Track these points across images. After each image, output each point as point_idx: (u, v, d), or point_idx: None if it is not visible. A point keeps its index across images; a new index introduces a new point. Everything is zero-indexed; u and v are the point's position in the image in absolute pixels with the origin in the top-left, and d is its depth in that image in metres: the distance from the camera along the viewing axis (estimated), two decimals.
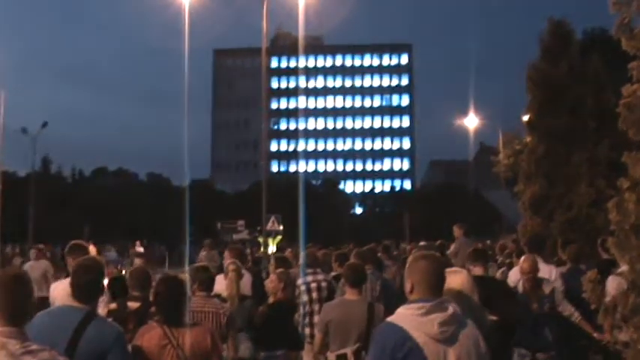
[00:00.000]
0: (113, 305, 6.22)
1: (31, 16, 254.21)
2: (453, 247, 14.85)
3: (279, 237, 31.77)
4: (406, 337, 3.69)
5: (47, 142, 68.03)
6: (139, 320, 5.28)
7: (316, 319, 8.16)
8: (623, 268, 7.92)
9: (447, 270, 4.89)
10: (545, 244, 10.58)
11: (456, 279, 4.90)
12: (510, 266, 11.78)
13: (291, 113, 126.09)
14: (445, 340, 3.73)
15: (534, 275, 8.17)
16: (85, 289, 4.56)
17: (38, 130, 49.08)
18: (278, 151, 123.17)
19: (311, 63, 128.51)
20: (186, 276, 6.81)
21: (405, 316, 3.79)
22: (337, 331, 6.71)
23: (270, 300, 8.60)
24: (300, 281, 9.28)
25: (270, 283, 8.46)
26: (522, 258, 8.54)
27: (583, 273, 8.72)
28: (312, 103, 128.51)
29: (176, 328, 4.88)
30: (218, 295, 7.91)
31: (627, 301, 5.47)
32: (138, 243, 36.01)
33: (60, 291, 6.05)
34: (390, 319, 3.86)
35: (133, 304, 6.14)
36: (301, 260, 11.06)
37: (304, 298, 9.04)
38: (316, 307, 8.77)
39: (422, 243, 15.44)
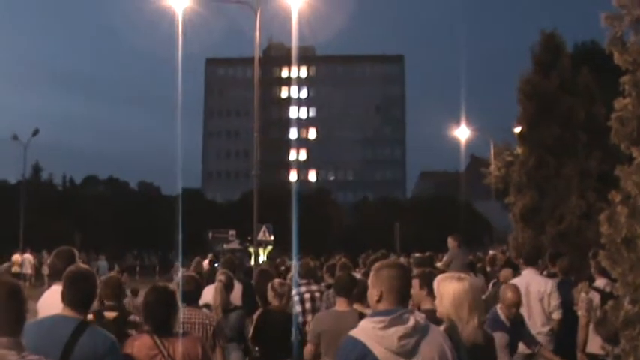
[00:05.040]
0: (90, 316, 6.13)
1: (21, 23, 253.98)
2: (446, 257, 14.89)
3: (269, 247, 31.74)
4: (366, 351, 3.69)
5: (38, 150, 67.81)
6: (117, 329, 5.23)
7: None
8: (599, 282, 7.98)
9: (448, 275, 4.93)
10: (540, 257, 10.60)
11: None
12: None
13: (283, 123, 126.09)
14: (405, 353, 3.71)
15: (517, 309, 6.90)
16: (80, 298, 4.53)
17: (29, 138, 48.95)
18: (269, 160, 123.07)
19: (303, 73, 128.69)
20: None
21: (366, 330, 3.78)
22: (329, 342, 6.67)
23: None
24: (293, 292, 9.25)
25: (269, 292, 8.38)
26: (504, 287, 7.26)
27: (573, 285, 8.75)
28: (303, 112, 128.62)
29: (166, 338, 4.84)
30: (207, 306, 7.89)
31: (619, 313, 5.48)
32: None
33: (53, 298, 5.96)
34: (352, 332, 3.85)
35: (110, 314, 6.06)
36: (294, 271, 11.03)
37: (297, 308, 9.01)
38: (309, 317, 8.73)
39: (416, 254, 15.43)
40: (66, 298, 4.53)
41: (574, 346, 8.33)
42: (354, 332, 3.83)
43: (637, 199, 5.61)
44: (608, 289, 7.45)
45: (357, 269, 13.55)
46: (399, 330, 3.71)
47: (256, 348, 8.24)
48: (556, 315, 9.01)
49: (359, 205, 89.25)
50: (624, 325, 5.39)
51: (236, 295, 9.94)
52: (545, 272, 10.89)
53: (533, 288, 9.04)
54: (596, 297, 7.65)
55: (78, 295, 4.53)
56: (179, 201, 43.35)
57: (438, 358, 3.82)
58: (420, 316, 3.90)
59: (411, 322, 3.76)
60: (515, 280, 9.40)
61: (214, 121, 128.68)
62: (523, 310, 8.58)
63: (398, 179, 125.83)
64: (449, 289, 4.86)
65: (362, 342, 3.73)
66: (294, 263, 13.12)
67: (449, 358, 3.88)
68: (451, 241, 14.76)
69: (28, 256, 37.20)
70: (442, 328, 4.44)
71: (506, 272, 11.01)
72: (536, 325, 8.89)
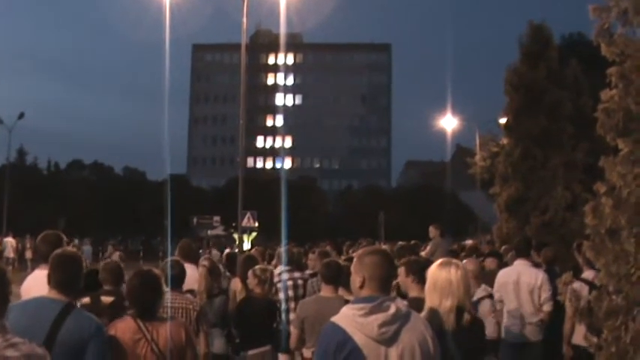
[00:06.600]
0: (86, 299, 6.10)
1: (9, 8, 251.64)
2: (429, 247, 14.86)
3: (254, 233, 31.75)
4: (347, 338, 3.70)
5: (23, 134, 67.31)
6: (112, 314, 5.23)
7: (292, 316, 8.12)
8: (587, 273, 8.02)
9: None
10: (531, 248, 10.57)
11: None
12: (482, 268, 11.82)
13: (270, 109, 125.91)
14: (386, 341, 3.72)
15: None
16: (66, 281, 4.50)
17: (14, 122, 48.62)
18: (255, 147, 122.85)
19: (290, 60, 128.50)
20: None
21: (347, 317, 3.79)
22: (313, 328, 6.69)
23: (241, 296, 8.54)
24: (276, 279, 9.23)
25: (250, 279, 8.32)
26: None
27: (557, 276, 8.78)
28: (290, 99, 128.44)
29: (150, 322, 4.82)
30: (191, 291, 7.87)
31: (602, 304, 5.50)
32: None
33: (35, 282, 5.93)
34: (333, 319, 3.85)
35: (106, 299, 6.05)
36: (280, 257, 10.99)
37: (280, 295, 8.99)
38: (292, 304, 8.73)
39: (400, 243, 15.43)
40: (52, 280, 4.50)
41: (558, 334, 8.37)
42: (335, 319, 3.83)
43: (622, 190, 5.62)
44: (596, 282, 7.47)
45: (341, 257, 13.53)
46: (379, 317, 3.71)
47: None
48: (547, 307, 8.96)
49: (344, 193, 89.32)
50: (607, 316, 5.41)
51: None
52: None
53: (524, 279, 9.02)
54: (584, 288, 7.67)
55: (64, 277, 4.50)
56: (167, 187, 43.23)
57: (419, 346, 3.81)
58: (402, 304, 3.89)
59: (392, 310, 3.76)
60: (506, 270, 9.45)
61: (200, 107, 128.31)
62: (512, 300, 8.67)
63: (383, 168, 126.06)
64: (430, 275, 4.87)
65: (343, 328, 3.73)
66: (281, 250, 13.08)
67: (430, 346, 3.87)
68: (433, 231, 14.75)
69: (10, 239, 36.94)
70: (423, 315, 4.44)
71: (490, 262, 11.05)
72: (526, 315, 8.92)
